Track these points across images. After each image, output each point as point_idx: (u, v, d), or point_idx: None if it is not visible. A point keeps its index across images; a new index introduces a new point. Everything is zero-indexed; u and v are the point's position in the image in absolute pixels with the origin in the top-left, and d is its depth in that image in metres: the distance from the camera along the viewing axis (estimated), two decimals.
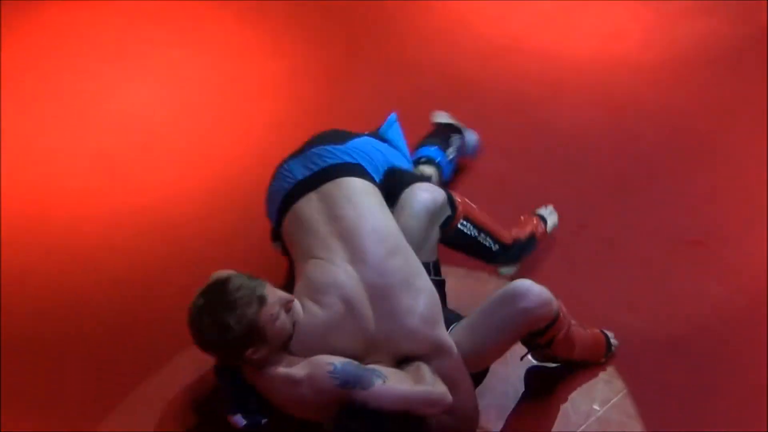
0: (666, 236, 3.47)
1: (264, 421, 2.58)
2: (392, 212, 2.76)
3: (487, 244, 3.04)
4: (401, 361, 2.53)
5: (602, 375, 2.96)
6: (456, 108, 3.75)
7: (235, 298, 2.40)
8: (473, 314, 2.67)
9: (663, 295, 3.26)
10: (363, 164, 2.84)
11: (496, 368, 2.96)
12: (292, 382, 2.44)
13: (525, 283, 2.65)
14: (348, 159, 2.81)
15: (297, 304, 2.53)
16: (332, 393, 2.39)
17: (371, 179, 2.81)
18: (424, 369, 2.48)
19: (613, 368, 2.99)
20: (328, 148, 2.83)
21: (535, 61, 4.28)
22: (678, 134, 3.89)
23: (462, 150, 3.63)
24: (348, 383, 2.38)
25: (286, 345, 2.50)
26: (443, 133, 3.59)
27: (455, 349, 2.56)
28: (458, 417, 2.58)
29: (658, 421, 2.83)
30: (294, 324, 2.50)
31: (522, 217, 3.33)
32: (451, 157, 3.50)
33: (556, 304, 2.67)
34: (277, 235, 2.86)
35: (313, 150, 2.84)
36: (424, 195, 2.81)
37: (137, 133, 3.94)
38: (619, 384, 2.94)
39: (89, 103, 4.10)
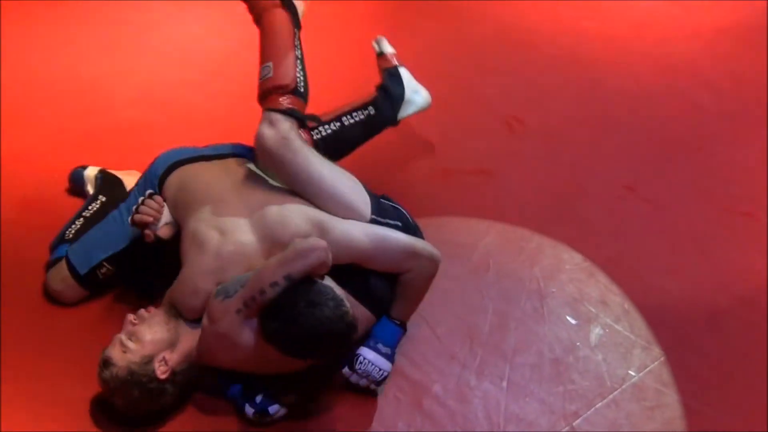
0: (715, 205, 3.42)
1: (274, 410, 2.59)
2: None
3: (362, 117, 3.04)
4: None
5: (640, 341, 2.94)
6: (515, 60, 3.71)
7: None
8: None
9: (707, 265, 3.21)
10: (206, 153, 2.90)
11: (533, 327, 2.96)
12: (200, 349, 2.52)
13: None
14: (250, 154, 2.88)
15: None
16: (228, 309, 2.40)
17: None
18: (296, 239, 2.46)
19: (652, 335, 2.96)
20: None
21: (594, 19, 4.21)
22: (735, 103, 3.81)
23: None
24: (229, 291, 2.42)
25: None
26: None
27: (330, 220, 2.58)
28: (398, 264, 2.62)
29: (693, 391, 2.80)
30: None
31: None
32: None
33: None
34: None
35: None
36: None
37: (191, 68, 3.91)
38: (656, 351, 2.92)
39: (141, 33, 4.06)
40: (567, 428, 2.69)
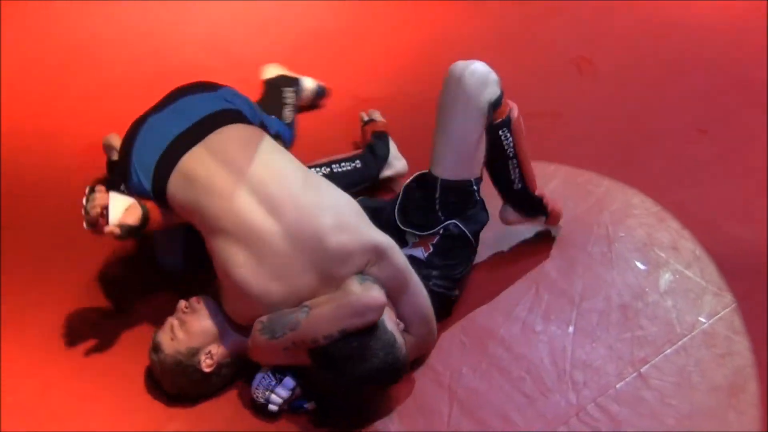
0: None
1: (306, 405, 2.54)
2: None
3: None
4: None
5: (711, 287, 2.89)
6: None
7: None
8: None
9: None
10: (242, 110, 2.62)
11: (601, 272, 2.92)
12: (247, 349, 2.46)
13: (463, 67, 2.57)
14: (227, 105, 2.58)
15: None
16: (275, 346, 2.36)
17: (254, 123, 2.64)
18: (351, 281, 2.34)
19: (724, 282, 2.90)
20: (200, 96, 2.59)
21: None
22: None
23: (300, 102, 3.39)
24: (276, 332, 2.34)
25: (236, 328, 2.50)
26: (274, 92, 3.31)
27: (389, 244, 2.43)
28: (412, 318, 2.51)
29: (765, 339, 2.75)
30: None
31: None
32: (289, 120, 3.22)
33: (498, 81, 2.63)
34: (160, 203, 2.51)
35: (180, 101, 2.56)
36: (477, 66, 2.58)
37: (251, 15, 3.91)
38: (728, 298, 2.86)
39: None
40: (635, 374, 2.66)
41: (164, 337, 2.46)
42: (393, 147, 3.22)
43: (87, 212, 2.35)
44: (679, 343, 2.75)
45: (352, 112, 3.40)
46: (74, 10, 3.82)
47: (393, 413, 2.52)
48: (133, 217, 2.40)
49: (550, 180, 3.19)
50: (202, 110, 2.52)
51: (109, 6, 3.95)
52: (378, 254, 2.39)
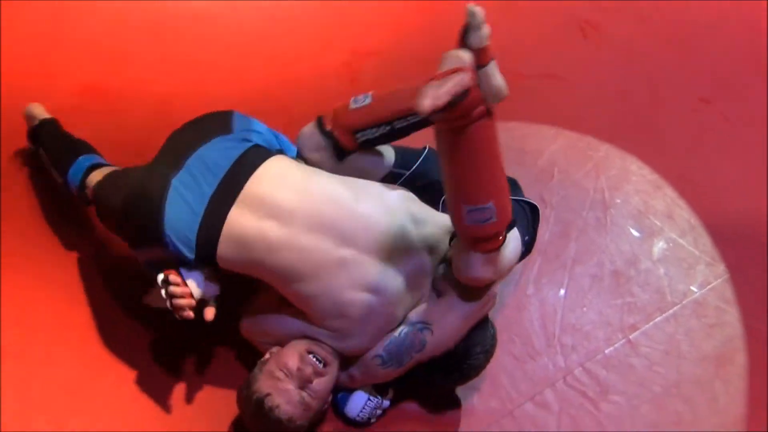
0: None
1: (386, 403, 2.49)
2: None
3: (416, 120, 2.37)
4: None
5: (704, 257, 2.88)
6: None
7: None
8: None
9: None
10: (259, 142, 2.38)
11: (595, 238, 2.91)
12: (355, 381, 2.40)
13: None
14: (246, 145, 2.33)
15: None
16: (398, 372, 2.34)
17: (273, 150, 2.42)
18: (448, 276, 2.31)
19: (717, 252, 2.89)
20: (218, 143, 2.31)
21: None
22: None
23: None
24: (402, 360, 2.31)
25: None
26: None
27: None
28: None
29: (755, 311, 2.75)
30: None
31: None
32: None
33: None
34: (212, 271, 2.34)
35: (198, 152, 2.29)
36: None
37: None
38: (720, 268, 2.86)
39: None
40: (624, 340, 2.67)
41: (293, 411, 2.24)
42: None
43: (174, 307, 2.22)
44: (670, 311, 2.75)
45: (349, 68, 3.34)
46: None
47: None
48: (213, 315, 2.31)
49: (549, 143, 3.16)
50: (226, 161, 2.27)
51: None
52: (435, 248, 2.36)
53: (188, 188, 2.23)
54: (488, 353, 2.39)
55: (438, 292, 2.34)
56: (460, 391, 2.52)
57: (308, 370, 2.25)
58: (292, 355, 2.28)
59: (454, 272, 2.24)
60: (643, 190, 3.06)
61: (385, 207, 2.31)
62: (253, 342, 2.45)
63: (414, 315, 2.33)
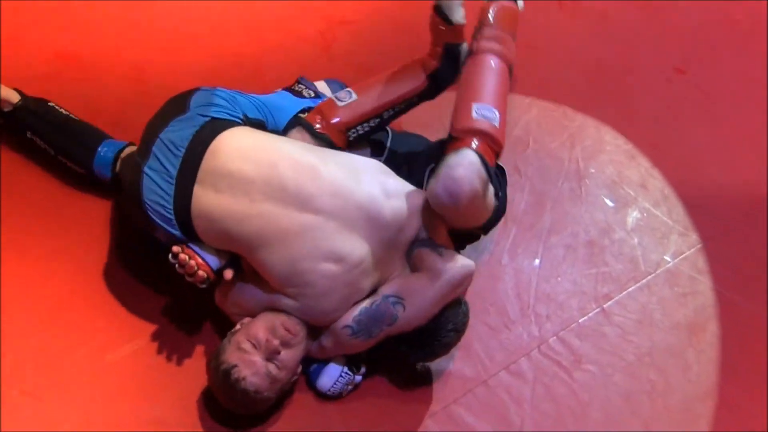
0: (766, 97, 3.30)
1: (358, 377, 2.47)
2: None
3: (403, 107, 2.55)
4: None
5: (677, 227, 2.89)
6: None
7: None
8: None
9: (752, 156, 3.12)
10: (216, 116, 2.38)
11: (569, 208, 2.91)
12: (325, 352, 2.38)
13: None
14: (201, 121, 2.35)
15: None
16: (368, 344, 2.33)
17: (235, 121, 2.41)
18: (429, 257, 2.29)
19: (690, 222, 2.91)
20: (175, 124, 2.35)
21: None
22: None
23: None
24: (371, 332, 2.30)
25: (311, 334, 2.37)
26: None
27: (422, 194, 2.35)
28: None
29: (728, 281, 2.77)
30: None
31: None
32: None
33: None
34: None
35: (161, 137, 2.33)
36: None
37: None
38: (693, 238, 2.87)
39: None
40: (597, 310, 2.68)
41: (260, 382, 2.23)
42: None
43: (193, 275, 2.28)
44: (643, 281, 2.76)
45: (324, 37, 3.30)
46: None
47: None
48: (226, 254, 2.33)
49: (524, 113, 3.16)
50: (183, 140, 2.30)
51: None
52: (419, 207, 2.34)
53: (157, 173, 2.29)
54: (459, 332, 2.39)
55: (413, 268, 2.34)
56: (433, 360, 2.51)
57: (275, 342, 2.24)
58: (260, 327, 2.27)
59: (433, 187, 2.20)
60: (617, 160, 3.07)
61: (353, 175, 2.30)
62: (225, 312, 2.43)
63: (388, 288, 2.32)
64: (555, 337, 2.62)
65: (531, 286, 2.72)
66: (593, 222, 2.89)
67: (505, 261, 2.76)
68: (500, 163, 2.54)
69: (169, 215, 2.28)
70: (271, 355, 2.24)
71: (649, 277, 2.77)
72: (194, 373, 2.43)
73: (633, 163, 3.06)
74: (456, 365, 2.53)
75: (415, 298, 2.28)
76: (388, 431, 2.42)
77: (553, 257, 2.79)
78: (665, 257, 2.82)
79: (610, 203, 2.94)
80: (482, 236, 2.57)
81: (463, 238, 2.49)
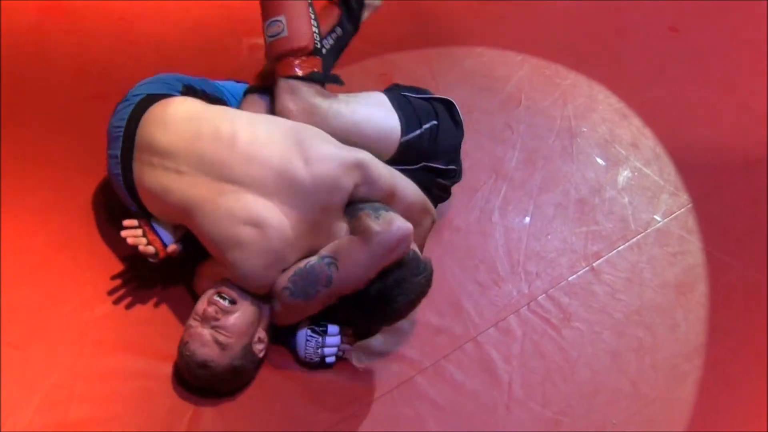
0: (760, 58, 3.28)
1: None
2: None
3: (332, 42, 2.55)
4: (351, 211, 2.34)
5: (668, 187, 2.88)
6: None
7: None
8: None
9: (745, 117, 3.11)
10: (152, 92, 2.44)
11: (561, 166, 2.90)
12: (279, 317, 2.37)
13: None
14: (136, 99, 2.42)
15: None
16: (310, 305, 2.30)
17: (171, 93, 2.45)
18: (366, 219, 2.25)
19: (681, 181, 2.90)
20: (117, 109, 2.45)
21: None
22: None
23: None
24: (308, 293, 2.26)
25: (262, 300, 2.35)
26: None
27: (366, 156, 2.33)
28: (411, 211, 2.41)
29: (717, 240, 2.77)
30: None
31: None
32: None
33: None
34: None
35: (109, 122, 2.44)
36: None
37: None
38: (684, 198, 2.87)
39: None
40: (587, 268, 2.67)
41: (211, 352, 2.24)
42: None
43: (145, 251, 2.35)
44: (633, 239, 2.75)
45: None
46: None
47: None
48: (183, 229, 2.38)
49: (516, 70, 3.13)
50: (121, 121, 2.40)
51: None
52: (361, 170, 2.29)
53: (111, 157, 2.40)
54: (412, 302, 2.32)
55: (352, 230, 2.30)
56: (423, 316, 2.50)
57: (211, 309, 2.25)
58: (201, 300, 2.31)
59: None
60: (609, 118, 3.05)
61: (271, 141, 2.29)
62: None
63: (325, 249, 2.29)
64: (544, 295, 2.61)
65: (521, 244, 2.71)
66: (584, 180, 2.88)
67: (495, 218, 2.75)
68: (445, 97, 2.58)
69: (125, 195, 2.40)
70: (212, 323, 2.25)
71: (639, 236, 2.76)
72: (182, 328, 2.41)
73: (625, 122, 3.04)
74: (445, 322, 2.52)
75: (349, 259, 2.24)
76: (377, 387, 2.41)
77: (544, 215, 2.78)
78: (655, 216, 2.81)
79: (601, 162, 2.93)
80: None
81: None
